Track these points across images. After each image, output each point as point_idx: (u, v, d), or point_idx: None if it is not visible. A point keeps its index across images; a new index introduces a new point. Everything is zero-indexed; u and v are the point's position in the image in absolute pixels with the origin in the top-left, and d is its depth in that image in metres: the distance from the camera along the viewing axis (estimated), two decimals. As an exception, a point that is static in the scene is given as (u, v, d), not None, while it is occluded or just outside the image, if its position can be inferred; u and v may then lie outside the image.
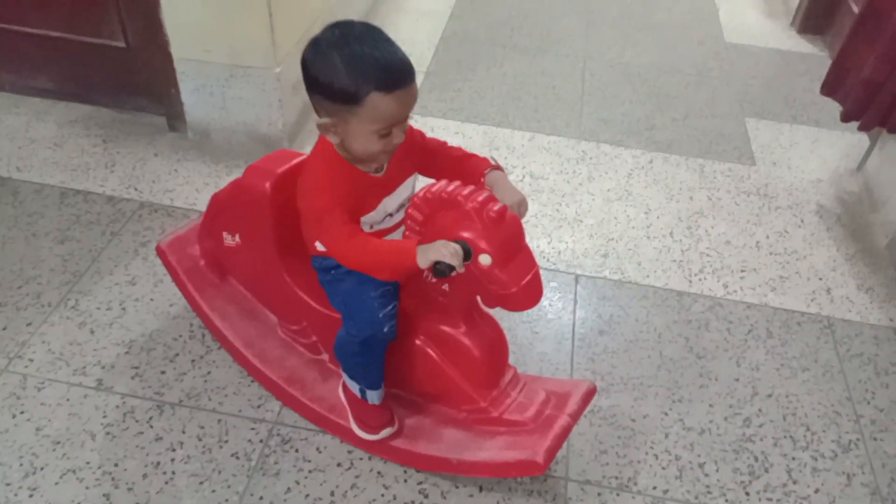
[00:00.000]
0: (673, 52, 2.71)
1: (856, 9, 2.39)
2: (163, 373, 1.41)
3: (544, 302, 1.64)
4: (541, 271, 1.09)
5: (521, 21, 2.81)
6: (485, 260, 1.03)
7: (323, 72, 0.99)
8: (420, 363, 1.22)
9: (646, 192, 2.01)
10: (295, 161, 1.26)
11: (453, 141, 2.09)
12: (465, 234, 1.03)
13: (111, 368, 1.41)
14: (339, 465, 1.28)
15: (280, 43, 1.83)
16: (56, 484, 1.22)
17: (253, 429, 1.33)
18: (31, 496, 1.20)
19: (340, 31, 1.01)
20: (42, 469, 1.24)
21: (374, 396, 1.23)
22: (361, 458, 1.29)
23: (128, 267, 1.63)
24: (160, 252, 1.45)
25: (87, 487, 1.22)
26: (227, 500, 1.22)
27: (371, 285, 1.13)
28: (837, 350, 1.59)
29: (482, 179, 1.15)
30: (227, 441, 1.31)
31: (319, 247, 1.14)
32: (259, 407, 1.37)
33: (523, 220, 1.12)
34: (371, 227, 1.13)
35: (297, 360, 1.38)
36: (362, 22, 1.04)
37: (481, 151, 2.07)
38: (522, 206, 1.13)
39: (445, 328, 1.19)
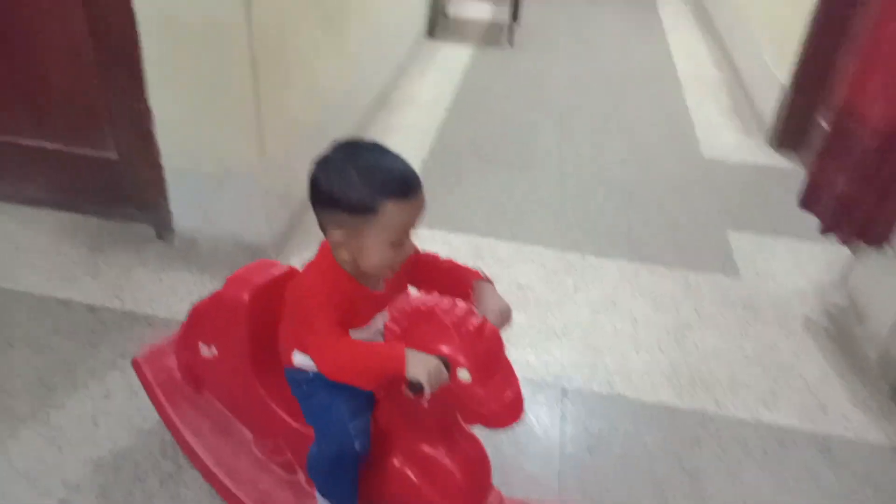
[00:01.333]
0: (652, 165, 2.79)
1: (826, 127, 2.49)
2: (130, 493, 1.34)
3: (531, 416, 1.60)
4: (527, 384, 1.07)
5: (505, 138, 2.92)
6: (463, 376, 1.01)
7: (338, 185, 1.01)
8: (398, 485, 1.16)
9: (632, 304, 2.01)
10: (275, 272, 1.25)
11: (439, 250, 2.10)
12: (444, 349, 1.01)
13: (76, 488, 1.34)
14: None
15: (268, 154, 1.87)
16: None
17: (221, 556, 1.25)
18: None
19: (349, 147, 1.05)
20: None
21: (346, 517, 1.17)
22: (336, 590, 1.20)
23: (104, 379, 1.58)
24: (135, 365, 1.42)
25: None
26: None
27: (341, 399, 1.11)
28: (835, 470, 1.54)
29: (469, 291, 1.15)
30: (192, 570, 1.22)
31: (295, 358, 1.12)
32: (229, 531, 1.29)
33: (506, 330, 1.11)
34: None
35: (270, 480, 1.31)
36: (365, 139, 1.08)
37: (467, 261, 2.09)
38: (506, 315, 1.12)
39: (425, 447, 1.14)
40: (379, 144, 1.05)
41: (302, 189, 1.07)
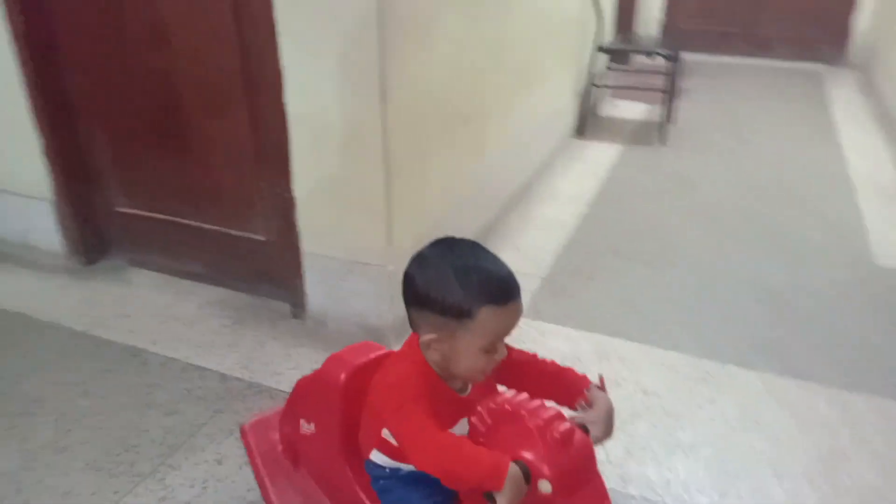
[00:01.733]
0: (812, 273, 2.53)
1: None
2: (221, 563, 1.36)
3: (644, 539, 1.43)
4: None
5: (648, 234, 2.80)
6: (544, 487, 0.93)
7: (434, 286, 0.99)
8: None
9: (776, 423, 1.78)
10: (375, 354, 1.25)
11: (560, 347, 2.02)
12: (526, 455, 0.94)
13: (174, 551, 1.39)
14: None
15: (396, 243, 1.94)
16: None
17: None
18: None
19: (447, 247, 1.03)
20: None
21: None
22: None
23: (220, 445, 1.65)
24: (242, 433, 1.46)
25: None
26: None
27: (416, 499, 1.05)
28: None
29: (582, 397, 1.08)
30: None
31: (374, 455, 1.10)
32: None
33: (613, 439, 1.02)
34: None
35: (352, 568, 1.27)
36: (464, 238, 1.06)
37: (590, 361, 2.00)
38: (609, 426, 1.04)
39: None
40: (477, 244, 1.03)
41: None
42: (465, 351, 0.99)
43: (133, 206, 2.36)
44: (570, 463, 0.94)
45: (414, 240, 2.05)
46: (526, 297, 2.24)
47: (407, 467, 1.08)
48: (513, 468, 0.91)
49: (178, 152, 2.20)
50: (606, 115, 4.37)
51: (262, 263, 2.21)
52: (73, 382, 1.85)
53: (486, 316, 0.96)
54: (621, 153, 3.74)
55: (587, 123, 4.02)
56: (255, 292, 2.27)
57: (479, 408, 1.01)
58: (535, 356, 1.15)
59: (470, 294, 0.95)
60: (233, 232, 2.22)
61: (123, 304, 2.22)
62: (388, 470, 1.10)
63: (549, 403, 1.04)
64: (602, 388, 1.09)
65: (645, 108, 4.50)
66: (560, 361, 1.95)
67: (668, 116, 4.03)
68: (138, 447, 1.64)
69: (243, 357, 1.98)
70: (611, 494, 1.49)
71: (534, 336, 2.11)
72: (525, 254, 2.60)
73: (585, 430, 1.04)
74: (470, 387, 1.08)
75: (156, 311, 2.19)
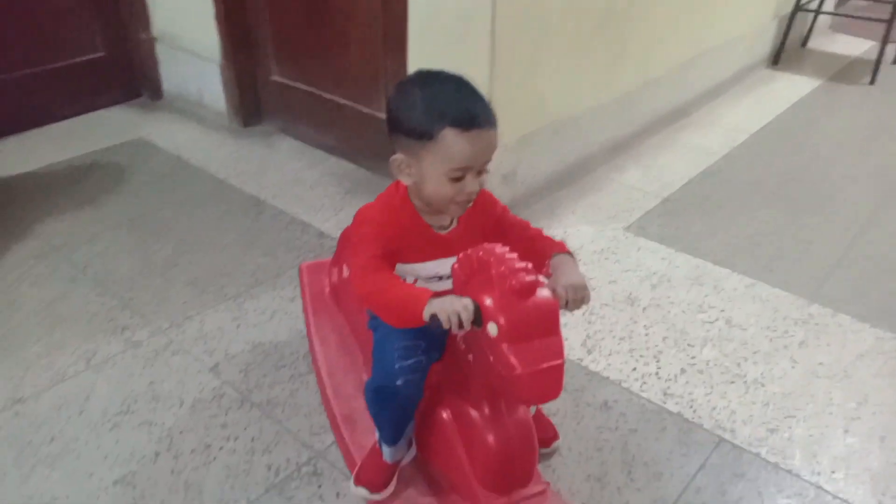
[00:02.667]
0: None
1: None
2: (264, 376, 1.53)
3: (663, 449, 1.37)
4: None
5: (802, 177, 2.49)
6: (491, 329, 0.94)
7: (402, 107, 1.02)
8: (440, 437, 1.13)
9: (871, 381, 1.57)
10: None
11: (652, 265, 1.93)
12: (485, 299, 0.95)
13: (231, 358, 1.58)
14: (344, 515, 1.22)
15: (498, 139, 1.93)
16: (132, 429, 1.39)
17: (297, 451, 1.35)
18: (110, 430, 1.39)
19: (427, 75, 1.05)
20: (131, 413, 1.43)
21: (387, 453, 1.17)
22: (367, 519, 1.21)
23: (297, 288, 1.82)
24: (300, 272, 1.60)
25: (149, 441, 1.37)
26: (236, 501, 1.25)
27: (395, 338, 1.10)
28: None
29: (547, 262, 1.07)
30: (270, 451, 1.35)
31: None
32: (315, 435, 1.39)
33: (579, 308, 1.00)
34: (415, 281, 1.11)
35: (363, 405, 1.37)
36: (452, 73, 1.05)
37: (679, 283, 1.87)
38: (579, 292, 1.00)
39: (470, 409, 1.08)
40: (461, 77, 1.03)
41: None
42: (430, 175, 1.00)
43: (285, 77, 2.57)
44: (523, 312, 0.93)
45: (518, 135, 2.05)
46: (636, 213, 2.17)
47: None
48: (437, 301, 0.95)
49: (324, 29, 2.34)
50: (814, 48, 3.86)
51: (383, 142, 2.30)
52: (200, 217, 2.12)
53: (448, 139, 0.96)
54: (816, 90, 3.32)
55: (782, 53, 3.58)
56: (373, 169, 2.40)
57: (459, 255, 1.02)
58: (526, 223, 1.15)
59: (431, 116, 0.97)
60: (361, 108, 2.35)
61: (262, 164, 2.46)
62: (377, 308, 1.16)
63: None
64: (569, 253, 1.08)
65: (868, 45, 3.90)
66: (645, 278, 1.87)
67: (885, 54, 3.45)
68: (232, 275, 1.86)
69: (343, 221, 2.13)
70: (647, 406, 1.46)
71: (627, 249, 2.01)
72: (652, 174, 2.45)
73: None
74: (453, 225, 1.10)
75: (286, 173, 2.41)
